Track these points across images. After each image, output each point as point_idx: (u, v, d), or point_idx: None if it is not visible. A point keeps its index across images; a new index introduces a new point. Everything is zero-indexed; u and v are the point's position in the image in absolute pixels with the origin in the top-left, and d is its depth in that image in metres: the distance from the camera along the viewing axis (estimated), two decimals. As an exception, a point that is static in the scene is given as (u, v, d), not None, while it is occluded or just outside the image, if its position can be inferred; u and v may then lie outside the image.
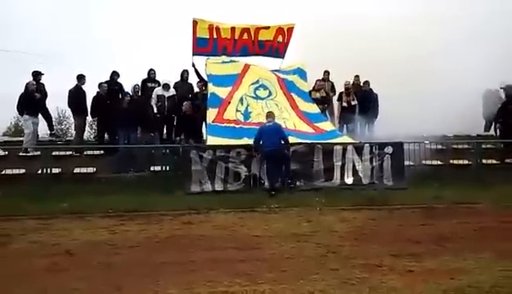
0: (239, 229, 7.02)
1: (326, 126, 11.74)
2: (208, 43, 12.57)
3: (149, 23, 49.99)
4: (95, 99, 11.86)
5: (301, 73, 12.87)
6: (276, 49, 13.13)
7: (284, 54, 13.26)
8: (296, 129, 11.13)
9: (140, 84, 12.39)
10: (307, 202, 8.78)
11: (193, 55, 12.45)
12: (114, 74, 12.42)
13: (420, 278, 4.74)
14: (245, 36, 12.85)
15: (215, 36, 12.61)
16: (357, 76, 13.33)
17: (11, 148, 11.73)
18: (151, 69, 12.79)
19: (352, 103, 12.73)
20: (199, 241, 6.30)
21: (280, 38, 13.04)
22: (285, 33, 13.04)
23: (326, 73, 13.34)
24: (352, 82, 13.21)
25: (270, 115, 10.30)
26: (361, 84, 13.13)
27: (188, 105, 11.72)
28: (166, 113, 11.98)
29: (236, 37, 12.79)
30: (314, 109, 12.16)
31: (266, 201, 8.82)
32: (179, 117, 11.83)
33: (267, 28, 12.96)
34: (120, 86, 12.30)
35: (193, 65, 12.39)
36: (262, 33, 12.91)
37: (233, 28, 12.74)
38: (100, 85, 11.94)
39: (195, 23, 12.39)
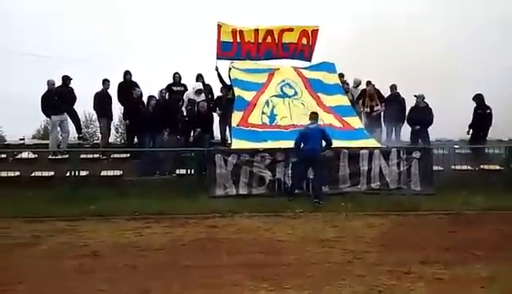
0: (263, 233, 6.99)
1: (355, 122, 11.54)
2: (231, 47, 12.53)
3: (170, 26, 50.83)
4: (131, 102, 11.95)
5: (329, 66, 12.71)
6: (301, 52, 12.92)
7: (310, 57, 13.02)
8: (325, 123, 10.89)
9: (165, 88, 12.47)
10: (332, 207, 8.70)
11: (217, 58, 12.46)
12: (127, 73, 12.43)
13: (450, 286, 4.63)
14: (269, 39, 12.70)
15: (239, 40, 12.55)
16: (368, 81, 12.94)
17: (41, 151, 11.97)
18: (176, 73, 12.86)
19: (376, 108, 12.50)
20: (223, 244, 6.31)
21: (304, 41, 12.83)
22: (310, 35, 12.84)
23: (341, 75, 12.93)
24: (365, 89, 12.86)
25: (313, 116, 9.92)
26: (375, 89, 12.81)
27: (204, 105, 11.83)
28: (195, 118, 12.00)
29: (260, 41, 12.67)
30: (344, 101, 11.99)
31: (290, 205, 8.76)
32: (196, 114, 11.87)
33: (291, 30, 12.81)
34: (136, 84, 12.31)
35: (216, 69, 12.40)
36: (285, 36, 12.75)
37: (256, 31, 12.61)
38: (134, 89, 12.03)
39: (219, 27, 12.40)
